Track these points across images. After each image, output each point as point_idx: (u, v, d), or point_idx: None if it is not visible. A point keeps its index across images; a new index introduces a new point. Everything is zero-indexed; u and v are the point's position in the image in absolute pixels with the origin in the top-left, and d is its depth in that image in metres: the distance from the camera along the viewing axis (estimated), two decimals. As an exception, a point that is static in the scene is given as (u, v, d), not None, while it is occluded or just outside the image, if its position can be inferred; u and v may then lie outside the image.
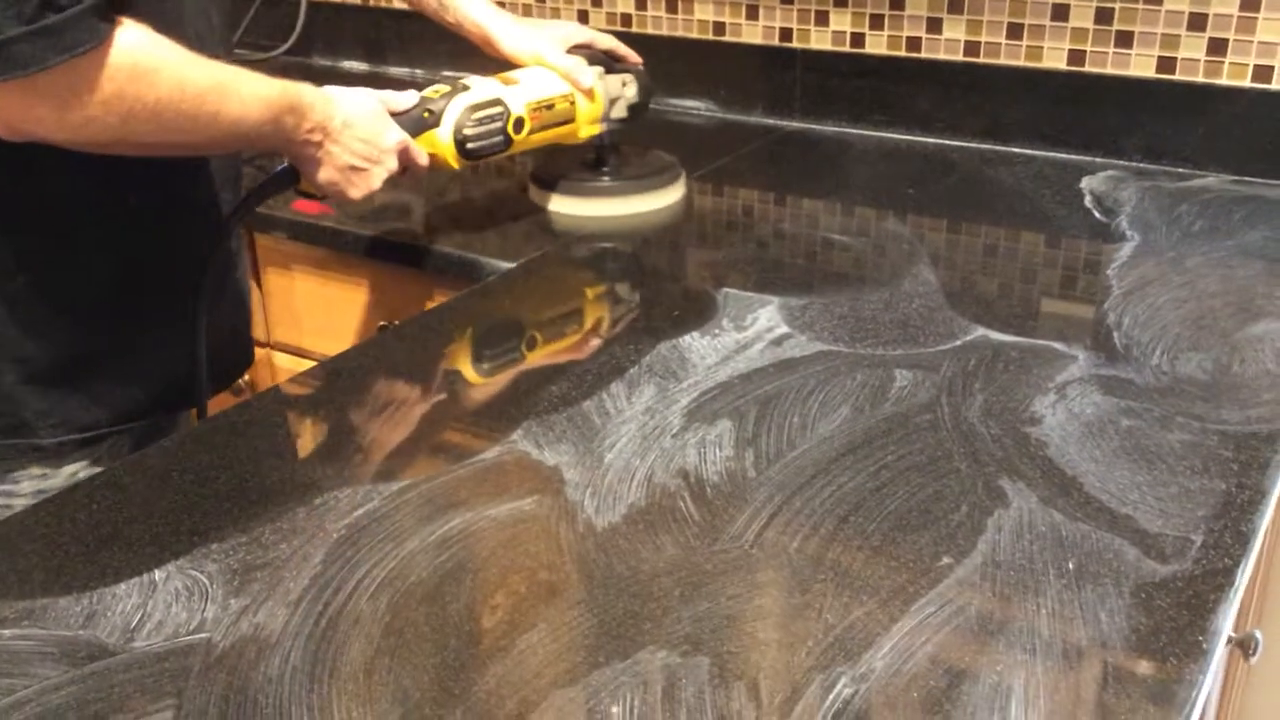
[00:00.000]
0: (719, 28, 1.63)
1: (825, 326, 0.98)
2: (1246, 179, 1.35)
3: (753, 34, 1.61)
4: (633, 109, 1.29)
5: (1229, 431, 0.81)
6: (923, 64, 1.50)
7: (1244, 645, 0.91)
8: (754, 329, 0.98)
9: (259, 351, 1.43)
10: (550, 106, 1.20)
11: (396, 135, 1.05)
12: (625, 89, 1.27)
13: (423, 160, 1.09)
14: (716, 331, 0.98)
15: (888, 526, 0.71)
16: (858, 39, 1.54)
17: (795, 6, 1.56)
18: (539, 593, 0.66)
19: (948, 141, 1.51)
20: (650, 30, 1.68)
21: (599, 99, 1.25)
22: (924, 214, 1.27)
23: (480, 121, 1.13)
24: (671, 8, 1.66)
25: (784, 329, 0.98)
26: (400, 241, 1.24)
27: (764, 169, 1.45)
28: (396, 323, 1.05)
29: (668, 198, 1.32)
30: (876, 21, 1.52)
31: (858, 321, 0.99)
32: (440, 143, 1.11)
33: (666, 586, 0.66)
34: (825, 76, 1.57)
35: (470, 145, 1.12)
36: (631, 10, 1.69)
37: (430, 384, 0.92)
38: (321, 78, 1.93)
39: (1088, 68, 1.41)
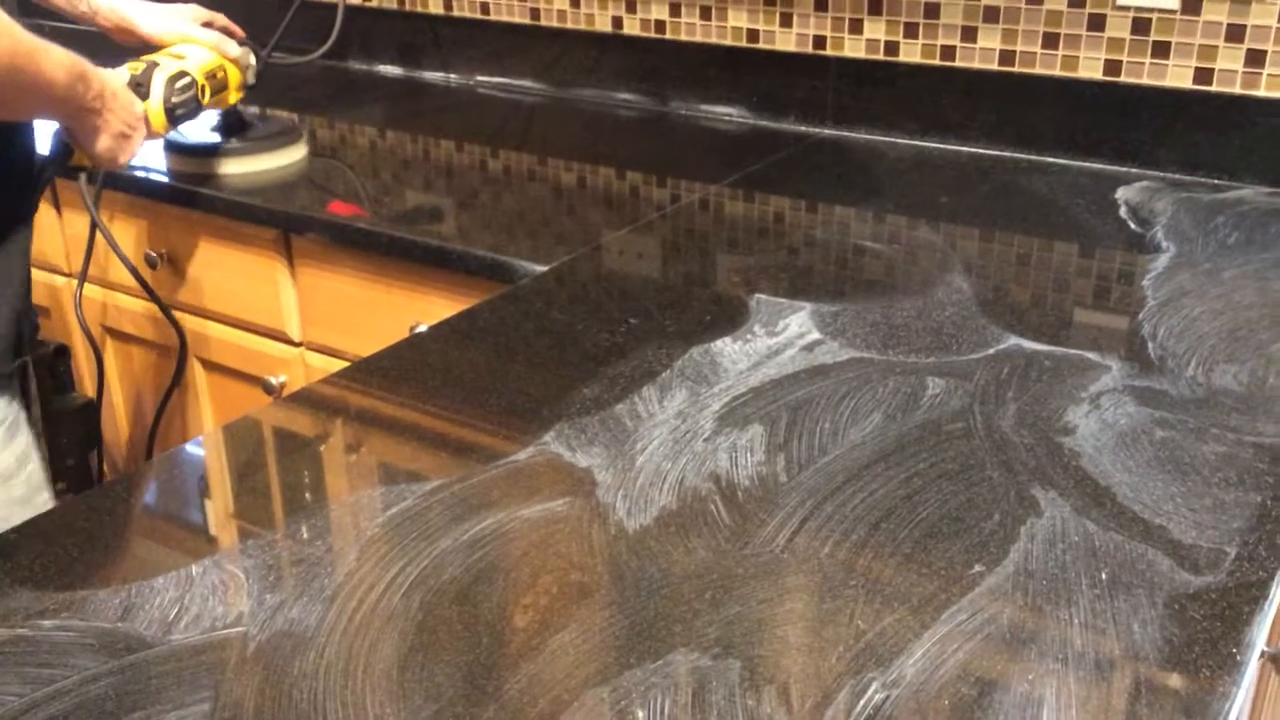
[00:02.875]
0: (753, 35, 1.64)
1: (857, 333, 0.98)
2: (1284, 191, 1.34)
3: (786, 41, 1.61)
4: (258, 76, 1.46)
5: (1264, 444, 0.81)
6: (957, 72, 1.50)
7: (1277, 660, 0.90)
8: (786, 335, 0.98)
9: (294, 350, 1.44)
10: (214, 75, 1.36)
11: (140, 105, 1.17)
12: (250, 59, 1.44)
13: (153, 128, 1.21)
14: (748, 337, 0.98)
15: (919, 534, 0.71)
16: (891, 47, 1.54)
17: (829, 14, 1.56)
18: (570, 593, 0.66)
19: (982, 150, 1.51)
20: (684, 36, 1.69)
21: (244, 68, 1.43)
22: (957, 222, 1.26)
23: (182, 90, 1.27)
24: (705, 15, 1.66)
25: (816, 335, 0.98)
26: (433, 244, 1.25)
27: (796, 176, 1.45)
28: (429, 325, 1.06)
29: (299, 152, 1.53)
30: (910, 30, 1.52)
31: (890, 328, 0.99)
32: (151, 110, 1.23)
33: (697, 589, 0.67)
34: (858, 84, 1.57)
35: (179, 112, 1.27)
36: (665, 17, 1.69)
37: (462, 385, 0.92)
38: (358, 82, 1.95)
39: (1124, 78, 1.40)
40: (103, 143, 1.08)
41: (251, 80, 1.45)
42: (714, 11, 1.65)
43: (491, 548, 0.70)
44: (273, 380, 1.45)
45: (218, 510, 0.76)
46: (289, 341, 1.45)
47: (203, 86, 1.32)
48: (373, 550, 0.70)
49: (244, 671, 0.61)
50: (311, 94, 1.89)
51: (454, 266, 1.24)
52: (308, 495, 0.77)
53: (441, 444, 0.84)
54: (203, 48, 1.36)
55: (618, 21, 1.74)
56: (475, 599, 0.66)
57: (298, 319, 1.43)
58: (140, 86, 1.22)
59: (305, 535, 0.72)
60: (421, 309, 1.29)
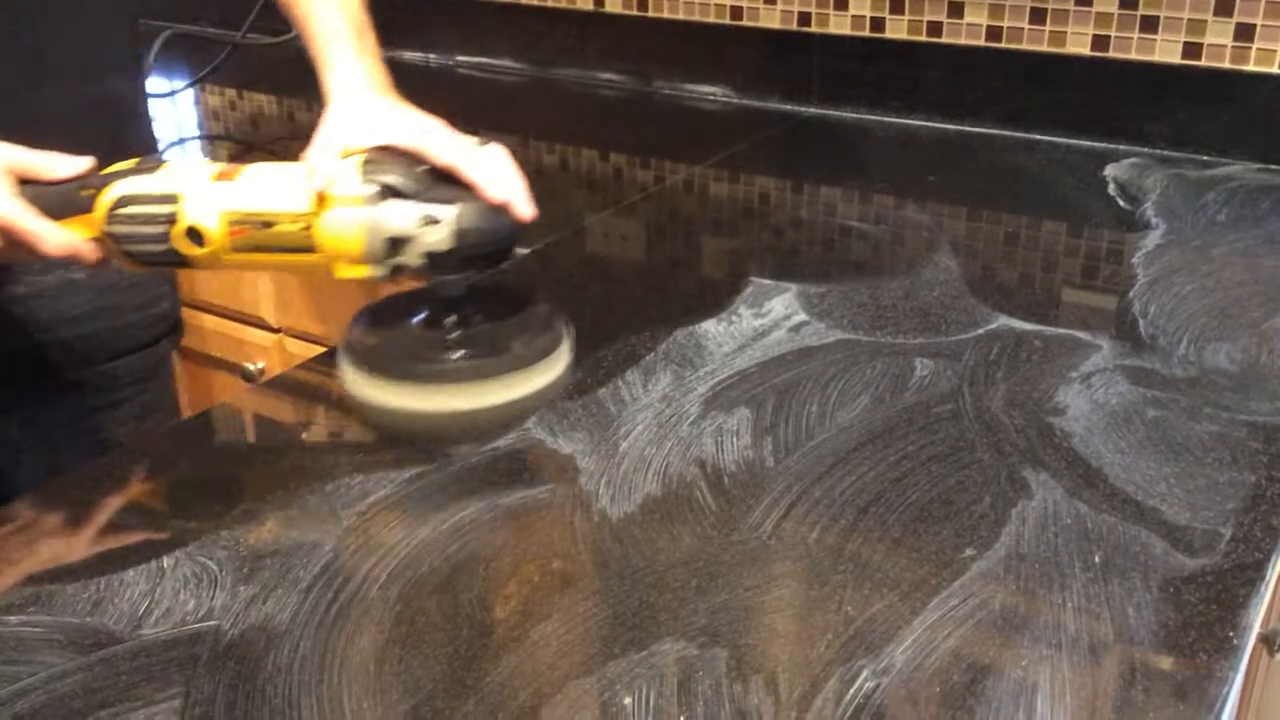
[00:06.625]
0: (736, 11, 1.61)
1: (844, 314, 0.97)
2: (1273, 167, 1.32)
3: (770, 18, 1.59)
4: (434, 259, 0.82)
5: (1258, 422, 0.79)
6: (944, 49, 1.48)
7: (1269, 640, 0.89)
8: (772, 316, 0.96)
9: (272, 336, 1.42)
10: (269, 224, 0.81)
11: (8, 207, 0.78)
12: (426, 228, 0.81)
13: (45, 245, 0.79)
14: (734, 319, 0.96)
15: (909, 518, 0.70)
16: (877, 23, 1.52)
17: (814, -9, 1.54)
18: (553, 583, 0.65)
19: (969, 128, 1.49)
20: (666, 14, 1.67)
21: (359, 233, 0.81)
22: (945, 201, 1.25)
23: (134, 219, 0.81)
24: (688, -8, 1.64)
25: (802, 316, 0.96)
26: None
27: (781, 155, 1.43)
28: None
29: (551, 371, 0.87)
30: (897, 5, 1.50)
31: (877, 309, 0.98)
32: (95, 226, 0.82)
33: (683, 577, 0.65)
34: (844, 61, 1.55)
35: (127, 247, 0.82)
36: (648, -6, 1.67)
37: (443, 370, 0.90)
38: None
39: (1112, 53, 1.39)
40: None
41: (413, 260, 0.82)
42: (697, -11, 1.63)
43: (472, 537, 0.69)
44: (251, 367, 1.43)
45: (190, 501, 0.74)
46: (267, 328, 1.42)
47: (194, 229, 0.80)
48: (350, 540, 0.69)
49: (216, 667, 0.59)
50: (288, 75, 1.86)
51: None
52: (283, 484, 0.75)
53: (422, 430, 0.82)
54: (278, 173, 0.83)
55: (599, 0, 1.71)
56: (455, 589, 0.64)
57: (275, 305, 1.41)
58: (88, 194, 0.81)
59: (280, 526, 0.70)
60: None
